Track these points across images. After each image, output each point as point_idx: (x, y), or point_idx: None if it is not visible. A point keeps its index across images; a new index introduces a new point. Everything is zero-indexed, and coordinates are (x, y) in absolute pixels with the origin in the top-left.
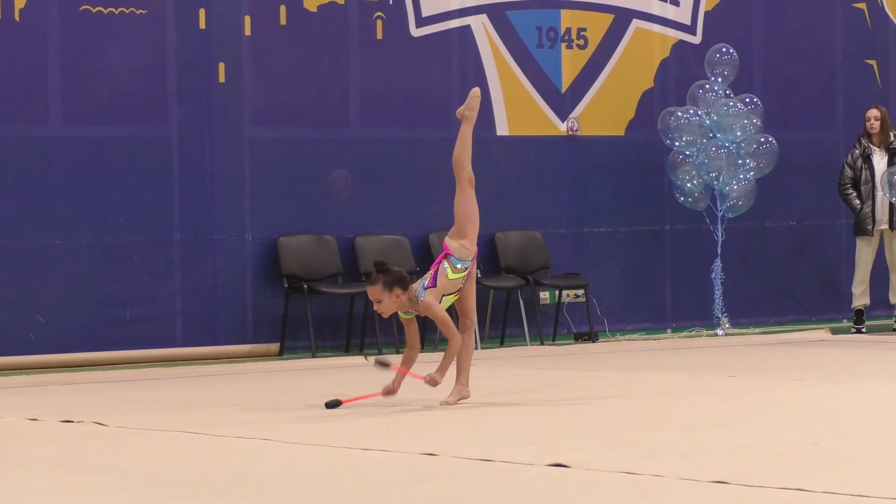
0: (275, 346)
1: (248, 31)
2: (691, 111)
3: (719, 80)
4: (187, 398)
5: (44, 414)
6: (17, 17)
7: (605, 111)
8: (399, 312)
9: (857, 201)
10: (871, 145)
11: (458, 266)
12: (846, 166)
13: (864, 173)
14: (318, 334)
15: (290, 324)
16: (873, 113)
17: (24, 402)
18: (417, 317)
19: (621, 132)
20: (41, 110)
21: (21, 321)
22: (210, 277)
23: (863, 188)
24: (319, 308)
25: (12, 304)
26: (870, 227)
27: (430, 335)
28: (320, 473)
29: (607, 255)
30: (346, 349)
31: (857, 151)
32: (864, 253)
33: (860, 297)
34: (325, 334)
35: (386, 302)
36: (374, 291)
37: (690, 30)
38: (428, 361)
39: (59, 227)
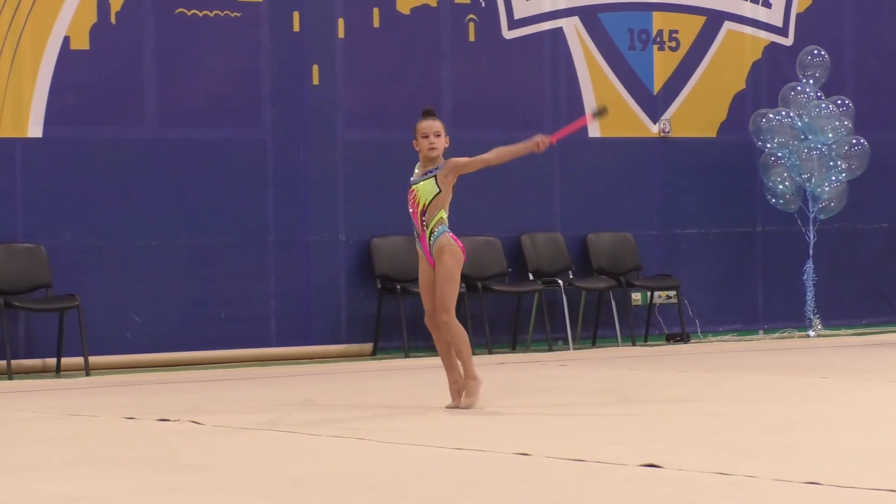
0: (368, 346)
1: (341, 34)
2: (783, 113)
3: (811, 81)
4: (282, 398)
5: (140, 412)
6: (113, 20)
7: (696, 113)
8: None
9: None
10: None
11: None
12: None
13: None
14: (411, 334)
15: (384, 324)
16: None
17: (121, 401)
18: None
19: (713, 134)
20: (137, 112)
21: (118, 321)
22: (304, 278)
23: None
24: (412, 308)
25: (109, 305)
26: None
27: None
28: (414, 473)
29: (699, 257)
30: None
31: None
32: None
33: None
34: (418, 334)
35: (443, 138)
36: (438, 126)
37: (782, 32)
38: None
39: (155, 228)
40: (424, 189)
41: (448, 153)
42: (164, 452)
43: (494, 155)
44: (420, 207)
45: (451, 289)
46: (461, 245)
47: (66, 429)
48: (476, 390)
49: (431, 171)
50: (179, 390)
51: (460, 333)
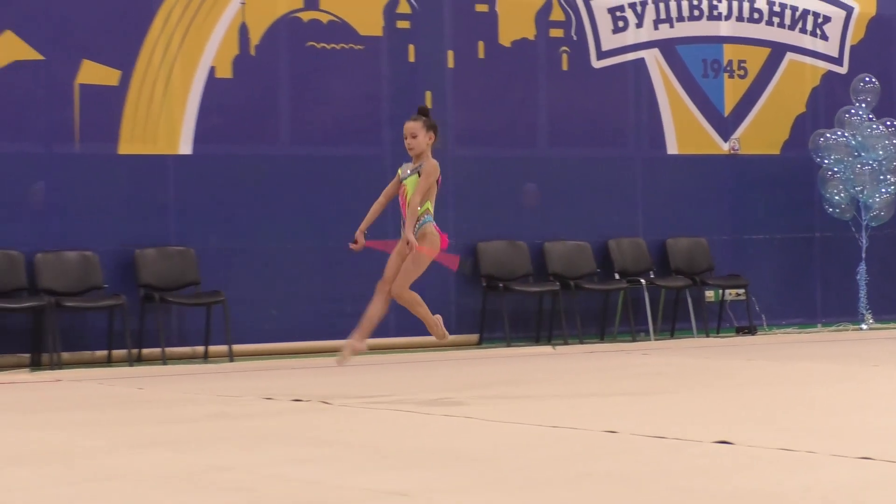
0: (474, 337)
1: (451, 64)
2: (839, 133)
3: (863, 105)
4: (400, 381)
5: (277, 394)
6: (252, 52)
7: (762, 133)
8: (399, 172)
9: None
10: None
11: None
12: None
13: None
14: (512, 327)
15: (488, 317)
16: None
17: (261, 384)
18: None
19: (777, 151)
20: (273, 132)
21: (258, 314)
22: (419, 278)
23: None
24: (513, 304)
25: (250, 300)
26: None
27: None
28: (514, 447)
29: (765, 259)
30: (537, 340)
31: None
32: None
33: None
34: (518, 327)
35: (420, 138)
36: (414, 127)
37: (838, 61)
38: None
39: (289, 233)
40: (411, 184)
41: (542, 167)
42: (298, 429)
43: (411, 208)
44: (407, 199)
45: (416, 270)
46: (444, 236)
47: (212, 408)
48: (440, 324)
49: (416, 168)
50: (311, 375)
51: (413, 298)
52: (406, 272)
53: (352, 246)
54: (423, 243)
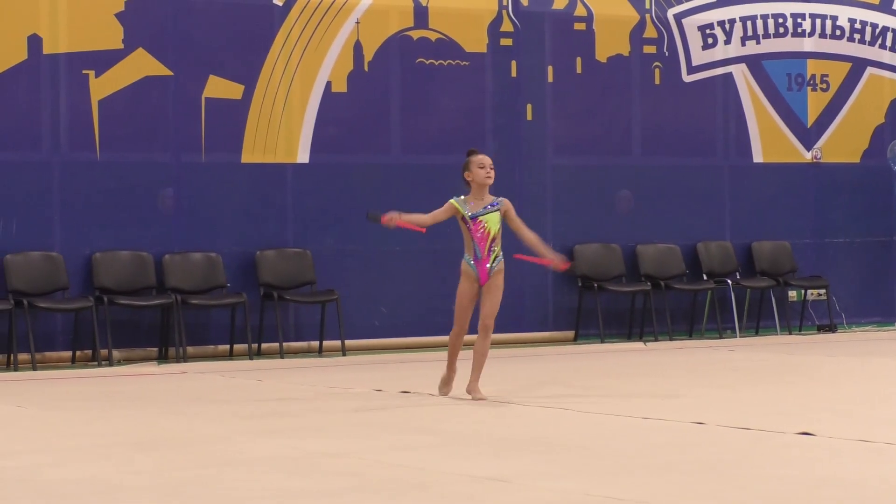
0: (570, 334)
1: (550, 79)
2: None
3: None
4: (499, 375)
5: (387, 386)
6: (366, 68)
7: (843, 142)
8: (456, 205)
9: None
10: None
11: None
12: None
13: None
14: (606, 324)
15: (583, 315)
16: None
17: (371, 376)
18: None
19: (857, 160)
20: (384, 142)
21: (368, 311)
22: (518, 277)
23: None
24: (607, 302)
25: (362, 298)
26: None
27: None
28: (605, 436)
29: (845, 261)
30: (629, 336)
31: None
32: None
33: None
34: (612, 324)
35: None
36: (490, 160)
37: None
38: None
39: (399, 236)
40: (493, 221)
41: (636, 175)
42: (404, 418)
43: (529, 239)
44: (491, 237)
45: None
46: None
47: (326, 399)
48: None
49: (493, 205)
50: (418, 368)
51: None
52: (497, 305)
53: (386, 219)
54: (499, 277)
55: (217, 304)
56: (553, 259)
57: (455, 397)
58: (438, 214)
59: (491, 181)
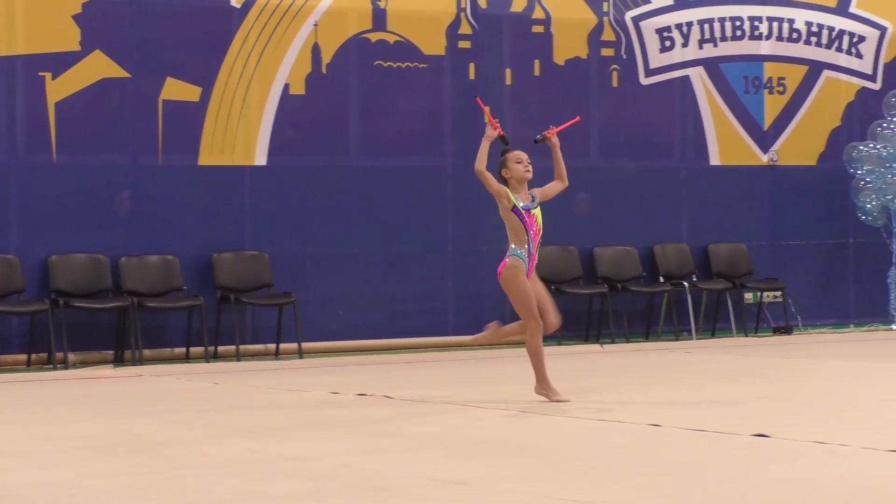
0: None
1: (508, 81)
2: (871, 145)
3: (895, 119)
4: (457, 377)
5: (343, 388)
6: (324, 70)
7: (799, 145)
8: (510, 194)
9: None
10: None
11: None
12: None
13: None
14: (563, 326)
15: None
16: None
17: (328, 379)
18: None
19: (813, 162)
20: (343, 145)
21: (326, 314)
22: (476, 279)
23: None
24: (564, 304)
25: (319, 301)
26: None
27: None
28: (565, 439)
29: (801, 264)
30: (586, 338)
31: None
32: None
33: None
34: (569, 326)
35: None
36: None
37: (871, 78)
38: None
39: (357, 238)
40: (539, 217)
41: (594, 177)
42: (362, 421)
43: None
44: (541, 233)
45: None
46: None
47: (283, 401)
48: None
49: (535, 200)
50: (375, 371)
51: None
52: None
53: (495, 126)
54: (536, 275)
55: (174, 307)
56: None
57: (413, 399)
58: (492, 178)
59: (530, 176)
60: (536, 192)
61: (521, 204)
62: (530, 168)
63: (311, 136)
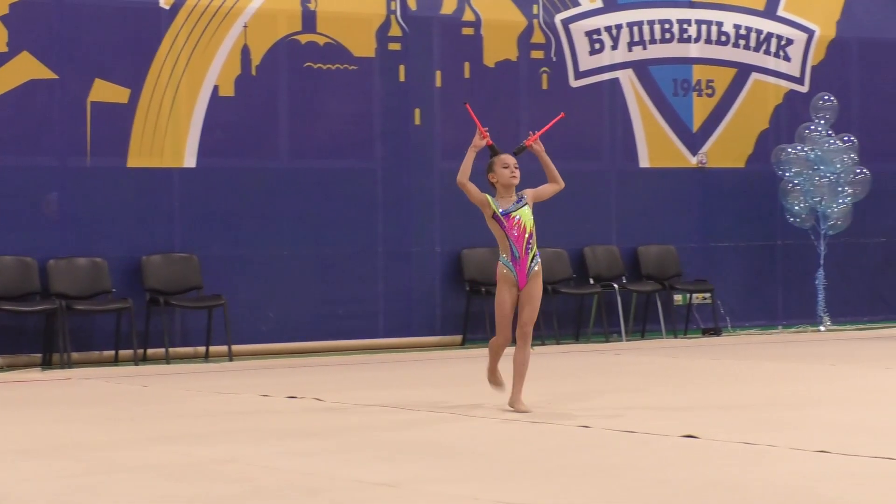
0: (458, 338)
1: (438, 83)
2: (799, 147)
3: (822, 122)
4: (388, 379)
5: (274, 391)
6: (254, 72)
7: (728, 148)
8: (490, 200)
9: None
10: None
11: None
12: None
13: None
14: (494, 329)
15: (471, 320)
16: None
17: (258, 382)
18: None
19: (742, 164)
20: (272, 147)
21: (256, 316)
22: (406, 282)
23: None
24: (494, 307)
25: (249, 303)
26: None
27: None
28: (496, 441)
29: (730, 265)
30: (516, 340)
31: None
32: None
33: None
34: None
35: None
36: (514, 159)
37: (799, 81)
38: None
39: (287, 241)
40: (526, 216)
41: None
42: (293, 424)
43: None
44: (527, 232)
45: (538, 308)
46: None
47: (213, 404)
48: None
49: (520, 200)
50: (305, 373)
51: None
52: (536, 311)
53: (484, 135)
54: (538, 279)
55: (102, 310)
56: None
57: (343, 401)
58: (474, 189)
59: (517, 181)
60: (528, 192)
61: (501, 209)
62: (517, 173)
63: (240, 137)
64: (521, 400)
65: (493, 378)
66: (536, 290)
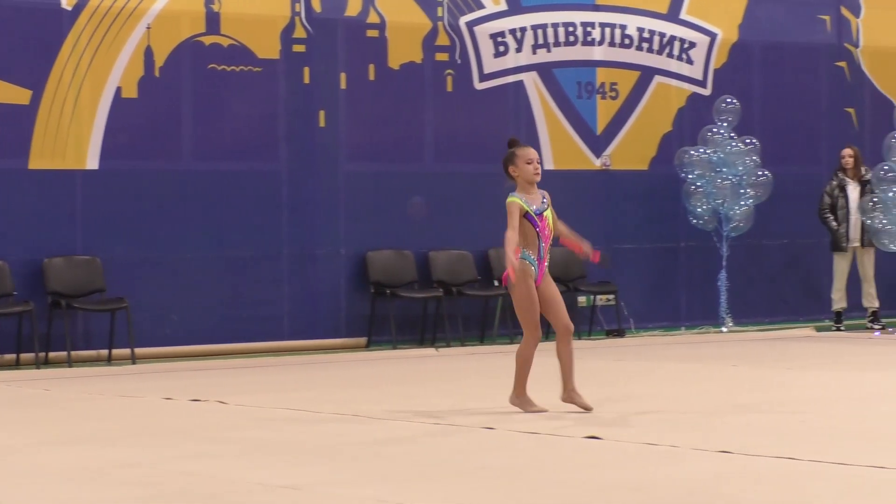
0: (363, 340)
1: (343, 85)
2: (702, 150)
3: (725, 124)
4: (292, 381)
5: (177, 394)
6: (157, 74)
7: (631, 150)
8: (519, 202)
9: (835, 223)
10: (846, 178)
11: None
12: (825, 195)
13: (839, 200)
14: (398, 330)
15: (376, 322)
16: (847, 152)
17: (161, 384)
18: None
19: (645, 167)
20: (176, 149)
21: (159, 319)
22: (311, 284)
23: (839, 213)
24: (399, 308)
25: (153, 306)
26: (844, 244)
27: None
28: (399, 442)
29: (633, 267)
30: (421, 342)
31: (835, 183)
32: (841, 265)
33: (838, 301)
34: (404, 330)
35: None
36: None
37: (702, 84)
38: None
39: (191, 243)
40: (551, 217)
41: (429, 182)
42: (196, 427)
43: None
44: (553, 234)
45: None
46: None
47: (116, 408)
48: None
49: (545, 200)
50: (209, 376)
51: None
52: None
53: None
54: (549, 277)
55: (4, 313)
56: (585, 248)
57: (247, 404)
58: (516, 223)
59: (539, 178)
60: (548, 196)
61: (534, 207)
62: (540, 170)
63: (143, 139)
64: (579, 394)
65: (526, 402)
66: (556, 289)
